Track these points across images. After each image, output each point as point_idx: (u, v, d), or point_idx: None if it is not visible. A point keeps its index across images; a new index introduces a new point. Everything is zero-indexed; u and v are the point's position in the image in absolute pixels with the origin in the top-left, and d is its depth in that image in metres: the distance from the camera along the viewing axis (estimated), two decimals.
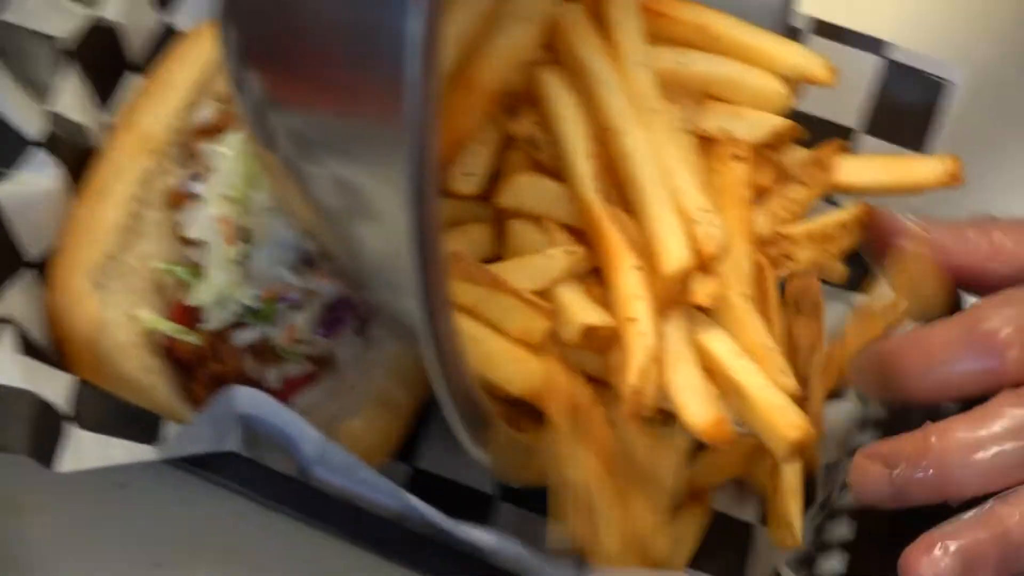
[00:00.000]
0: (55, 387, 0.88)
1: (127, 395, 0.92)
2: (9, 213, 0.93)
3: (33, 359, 0.90)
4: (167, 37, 1.10)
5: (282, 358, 0.97)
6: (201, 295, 0.96)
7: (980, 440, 0.82)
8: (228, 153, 1.00)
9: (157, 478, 0.95)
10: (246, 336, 0.96)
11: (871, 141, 1.14)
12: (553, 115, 0.91)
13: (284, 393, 0.96)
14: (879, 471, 0.84)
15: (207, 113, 1.03)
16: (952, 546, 0.80)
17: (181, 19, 1.12)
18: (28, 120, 0.96)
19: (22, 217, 0.94)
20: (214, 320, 0.96)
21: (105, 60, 1.05)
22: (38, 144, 0.96)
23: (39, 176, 0.96)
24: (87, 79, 1.02)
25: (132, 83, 1.07)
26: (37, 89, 0.99)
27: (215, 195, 0.99)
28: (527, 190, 0.91)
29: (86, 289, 0.93)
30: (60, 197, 0.97)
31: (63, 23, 1.01)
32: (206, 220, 0.98)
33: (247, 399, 0.87)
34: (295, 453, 0.90)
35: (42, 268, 0.96)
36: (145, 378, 0.94)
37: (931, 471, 0.82)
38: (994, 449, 0.82)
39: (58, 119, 0.99)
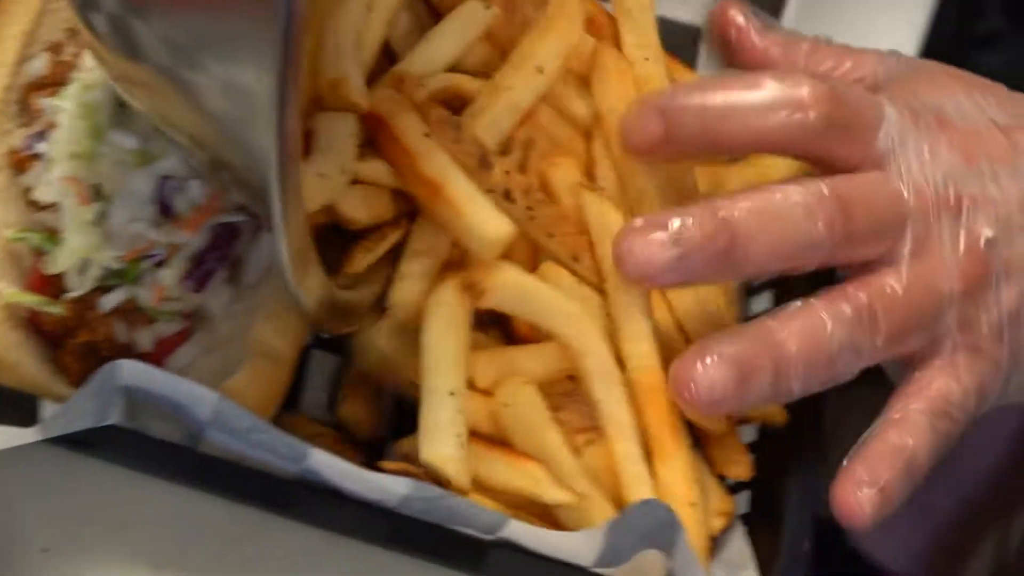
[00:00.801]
0: None
1: None
2: None
3: None
4: None
5: (152, 318, 0.92)
6: (60, 262, 0.91)
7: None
8: (68, 107, 0.94)
9: (29, 457, 0.89)
10: (112, 300, 0.91)
11: None
12: None
13: (158, 354, 0.92)
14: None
15: (40, 65, 0.96)
16: (724, 354, 0.78)
17: None
18: None
19: None
20: (76, 287, 0.91)
21: None
22: None
23: None
24: None
25: None
26: None
27: (61, 153, 0.93)
28: None
29: None
30: None
31: None
32: (55, 181, 0.92)
33: (131, 372, 0.82)
34: (185, 420, 0.86)
35: None
36: (9, 355, 0.89)
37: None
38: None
39: None
